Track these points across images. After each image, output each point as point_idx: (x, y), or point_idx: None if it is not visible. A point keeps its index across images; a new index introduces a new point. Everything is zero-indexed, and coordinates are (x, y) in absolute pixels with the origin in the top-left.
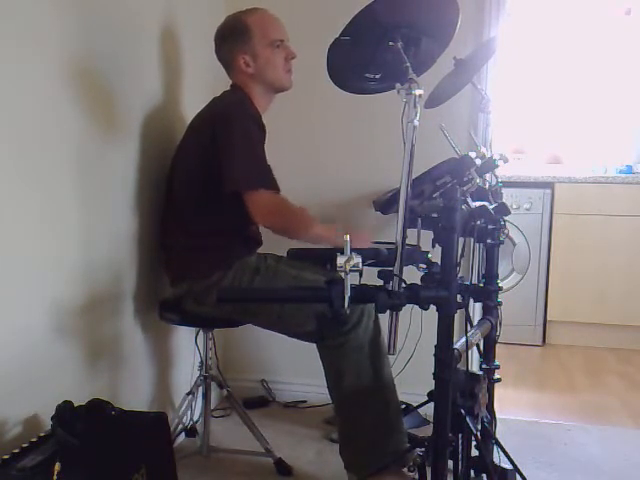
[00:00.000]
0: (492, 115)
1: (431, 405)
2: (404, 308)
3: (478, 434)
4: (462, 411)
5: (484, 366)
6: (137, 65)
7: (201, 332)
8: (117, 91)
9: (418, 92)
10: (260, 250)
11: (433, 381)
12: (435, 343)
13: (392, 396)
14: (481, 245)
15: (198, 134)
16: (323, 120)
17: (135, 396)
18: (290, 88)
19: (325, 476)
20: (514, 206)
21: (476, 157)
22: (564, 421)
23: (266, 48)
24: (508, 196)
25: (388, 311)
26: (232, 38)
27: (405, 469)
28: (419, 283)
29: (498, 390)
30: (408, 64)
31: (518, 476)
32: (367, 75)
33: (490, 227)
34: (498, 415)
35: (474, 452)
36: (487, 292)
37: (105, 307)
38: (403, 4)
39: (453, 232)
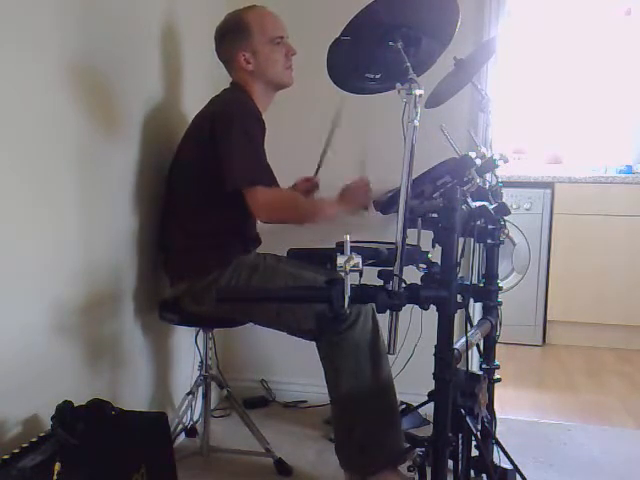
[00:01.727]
0: (492, 115)
1: (431, 405)
2: (404, 308)
3: (478, 434)
4: (462, 411)
5: (484, 366)
6: (137, 64)
7: (201, 332)
8: (117, 91)
9: (418, 92)
10: (260, 250)
11: (433, 381)
12: (435, 343)
13: (390, 396)
14: (481, 245)
15: (198, 133)
16: (323, 120)
17: (135, 396)
18: (291, 84)
19: (325, 476)
20: (514, 206)
21: (476, 157)
22: (564, 421)
23: (266, 45)
24: (508, 196)
25: (388, 311)
26: (232, 36)
27: (404, 468)
28: (419, 283)
29: (498, 390)
30: (408, 64)
31: (518, 476)
32: (367, 75)
33: (490, 227)
34: (498, 415)
35: (474, 452)
36: (487, 292)
37: (105, 307)
38: (403, 4)
39: (453, 232)
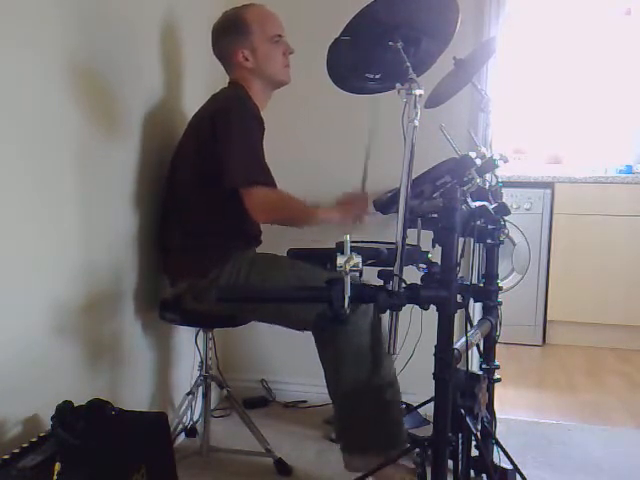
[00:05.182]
0: (492, 115)
1: (431, 405)
2: (404, 308)
3: (478, 434)
4: (462, 411)
5: (484, 366)
6: (137, 64)
7: (201, 332)
8: (117, 90)
9: (418, 92)
10: (260, 250)
11: (433, 381)
12: (435, 343)
13: (392, 386)
14: (481, 245)
15: (198, 131)
16: (322, 119)
17: (135, 396)
18: (288, 82)
19: (325, 476)
20: (514, 206)
21: (476, 157)
22: (564, 421)
23: (265, 43)
24: (508, 196)
25: (388, 311)
26: (230, 33)
27: (406, 461)
28: (419, 283)
29: (498, 390)
30: (408, 64)
31: (518, 476)
32: (367, 75)
33: (490, 227)
34: (498, 415)
35: (474, 452)
36: (487, 292)
37: (105, 307)
38: (403, 4)
39: (453, 232)
